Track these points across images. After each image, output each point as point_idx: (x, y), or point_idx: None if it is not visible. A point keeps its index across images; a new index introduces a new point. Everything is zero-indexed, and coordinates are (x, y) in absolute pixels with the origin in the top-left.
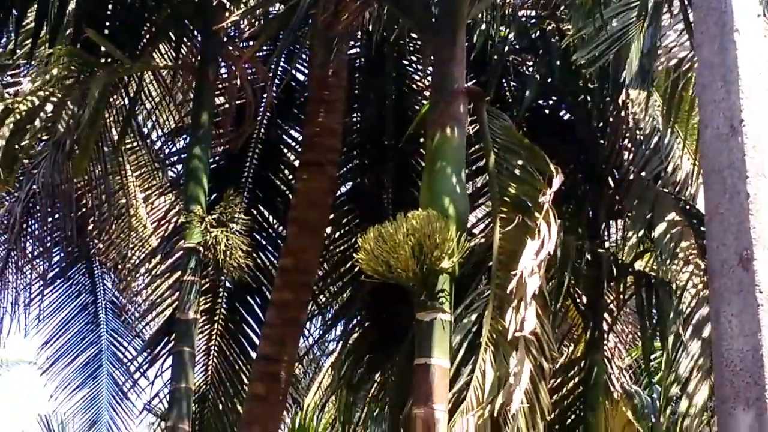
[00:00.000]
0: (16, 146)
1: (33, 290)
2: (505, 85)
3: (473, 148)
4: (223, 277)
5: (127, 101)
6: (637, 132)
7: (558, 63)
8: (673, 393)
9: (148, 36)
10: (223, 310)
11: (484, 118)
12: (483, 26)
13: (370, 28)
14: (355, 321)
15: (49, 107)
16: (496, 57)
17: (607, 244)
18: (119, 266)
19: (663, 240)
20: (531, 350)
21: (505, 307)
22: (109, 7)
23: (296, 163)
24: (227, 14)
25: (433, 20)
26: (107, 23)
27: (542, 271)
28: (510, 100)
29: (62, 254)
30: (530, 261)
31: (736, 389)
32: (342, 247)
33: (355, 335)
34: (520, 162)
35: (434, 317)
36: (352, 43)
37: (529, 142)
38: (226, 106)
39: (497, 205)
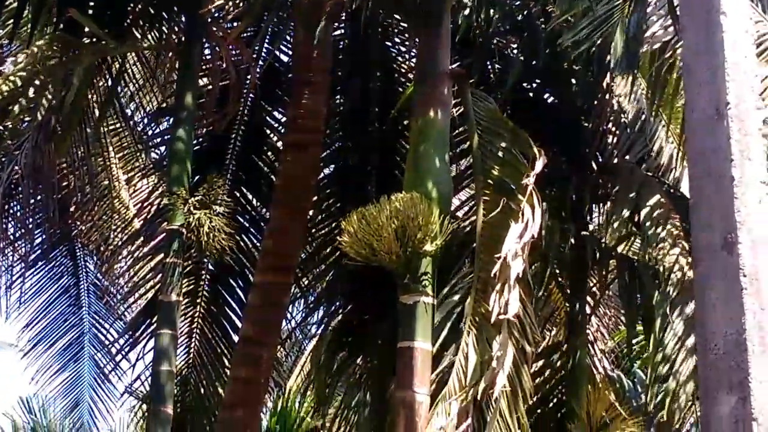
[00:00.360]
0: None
1: (14, 272)
2: (489, 67)
3: (457, 131)
4: (205, 260)
5: (110, 82)
6: (622, 115)
7: (543, 46)
8: (659, 375)
9: (131, 16)
10: (205, 292)
11: (468, 101)
12: (468, 9)
13: (353, 8)
14: (337, 304)
15: (32, 88)
16: (480, 39)
17: (591, 227)
18: (101, 248)
19: (647, 223)
20: (513, 333)
21: (489, 290)
22: None
23: (280, 144)
24: None
25: (418, 2)
26: (91, 3)
27: (526, 254)
28: (494, 83)
29: (44, 236)
30: (514, 244)
31: (720, 373)
32: (325, 230)
33: (338, 318)
34: (503, 144)
35: (417, 300)
36: (336, 24)
37: (513, 125)
38: (210, 87)
39: (481, 187)
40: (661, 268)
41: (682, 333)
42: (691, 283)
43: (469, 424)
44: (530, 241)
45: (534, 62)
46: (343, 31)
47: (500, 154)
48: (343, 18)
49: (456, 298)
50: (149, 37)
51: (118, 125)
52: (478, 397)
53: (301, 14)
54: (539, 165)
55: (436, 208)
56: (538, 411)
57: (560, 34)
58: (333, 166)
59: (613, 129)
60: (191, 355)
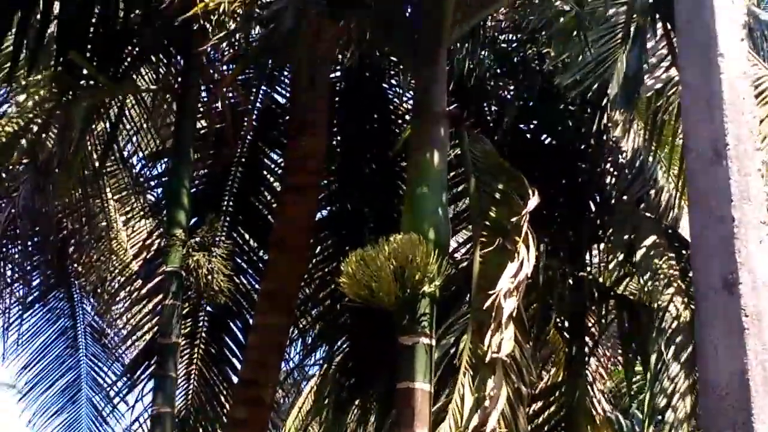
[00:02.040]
0: None
1: (12, 314)
2: (486, 109)
3: (454, 172)
4: (204, 301)
5: (108, 125)
6: (620, 155)
7: (538, 87)
8: (655, 414)
9: (129, 59)
10: (204, 334)
11: (465, 142)
12: (464, 51)
13: (350, 49)
14: (336, 345)
15: (33, 129)
16: (476, 81)
17: (589, 267)
18: (99, 290)
19: (644, 263)
20: (509, 374)
21: (484, 330)
22: (91, 30)
23: (277, 186)
24: (209, 37)
25: (415, 43)
26: (89, 46)
27: (521, 293)
28: (491, 125)
29: (41, 278)
30: (508, 282)
31: (722, 413)
32: (323, 271)
33: (337, 359)
34: (500, 186)
35: (416, 341)
36: (333, 66)
37: (509, 166)
38: (207, 129)
39: (478, 228)
40: (655, 306)
41: (677, 374)
42: (687, 324)
43: None
44: (525, 281)
45: (530, 103)
46: (339, 72)
47: (497, 195)
48: (340, 59)
49: (453, 338)
50: (146, 79)
51: (115, 167)
52: None
53: (297, 56)
54: (532, 203)
55: (434, 249)
56: None
57: (556, 75)
58: (331, 207)
59: (611, 169)
60: (190, 397)
